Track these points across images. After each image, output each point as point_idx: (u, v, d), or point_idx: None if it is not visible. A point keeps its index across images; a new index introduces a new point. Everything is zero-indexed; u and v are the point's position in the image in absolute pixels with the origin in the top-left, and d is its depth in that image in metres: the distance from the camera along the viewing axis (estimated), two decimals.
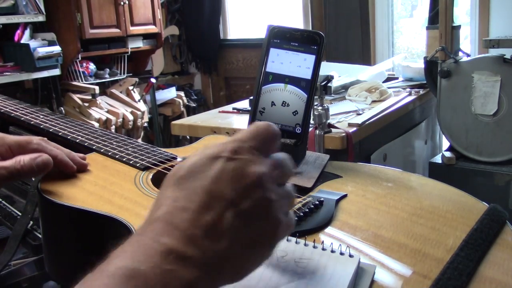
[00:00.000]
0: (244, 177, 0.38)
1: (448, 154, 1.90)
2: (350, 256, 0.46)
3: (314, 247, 0.48)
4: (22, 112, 0.87)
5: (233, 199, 0.37)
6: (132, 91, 3.59)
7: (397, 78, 2.34)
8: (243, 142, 0.40)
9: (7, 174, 0.58)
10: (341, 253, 0.46)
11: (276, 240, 0.39)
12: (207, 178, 0.38)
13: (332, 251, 0.47)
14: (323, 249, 0.47)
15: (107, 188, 0.63)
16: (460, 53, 1.96)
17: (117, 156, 0.72)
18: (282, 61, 0.68)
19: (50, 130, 0.81)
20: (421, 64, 2.08)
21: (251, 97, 0.81)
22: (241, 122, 1.73)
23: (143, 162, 0.70)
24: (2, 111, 0.88)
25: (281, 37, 0.69)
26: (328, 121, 1.39)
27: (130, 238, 0.37)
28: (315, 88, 0.68)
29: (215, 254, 0.36)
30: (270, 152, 0.42)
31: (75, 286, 0.33)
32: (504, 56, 1.78)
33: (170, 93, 3.85)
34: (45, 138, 0.67)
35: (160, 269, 0.34)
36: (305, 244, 0.48)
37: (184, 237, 0.35)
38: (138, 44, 3.67)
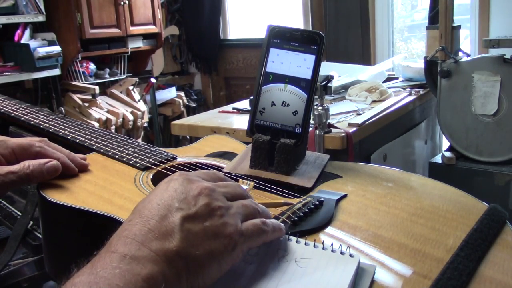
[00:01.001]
0: (190, 190, 0.45)
1: (448, 154, 1.90)
2: (351, 256, 0.46)
3: (315, 246, 0.48)
4: (22, 112, 0.87)
5: (181, 207, 0.43)
6: (132, 91, 3.59)
7: (397, 78, 2.34)
8: (192, 172, 0.49)
9: (16, 179, 0.60)
10: (342, 253, 0.46)
11: (228, 241, 0.43)
12: (159, 196, 0.45)
13: (333, 251, 0.47)
14: (324, 249, 0.47)
15: (107, 188, 0.63)
16: (460, 53, 1.96)
17: (117, 156, 0.72)
18: (282, 61, 0.68)
19: (50, 130, 0.81)
20: (421, 64, 2.08)
21: (251, 97, 0.81)
22: (241, 122, 1.73)
23: (143, 162, 0.70)
24: (2, 111, 0.88)
25: (281, 37, 0.69)
26: (328, 121, 1.39)
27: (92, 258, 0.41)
28: (315, 88, 0.68)
29: (168, 252, 0.41)
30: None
31: None
32: (504, 56, 1.78)
33: (170, 93, 3.85)
34: (46, 139, 0.67)
35: (120, 269, 0.38)
36: (305, 244, 0.48)
37: (135, 243, 0.41)
38: (138, 44, 3.67)
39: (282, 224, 0.50)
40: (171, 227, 0.42)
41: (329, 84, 1.28)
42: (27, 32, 3.03)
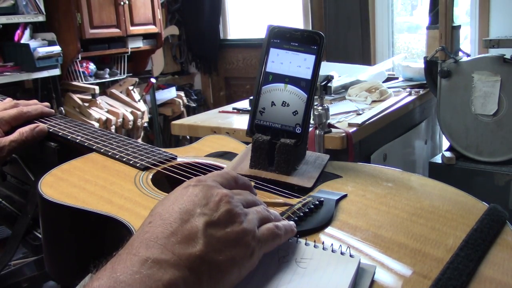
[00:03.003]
0: (211, 196, 0.45)
1: (448, 154, 1.90)
2: (351, 256, 0.46)
3: (315, 247, 0.48)
4: None
5: (204, 212, 0.44)
6: (132, 91, 3.59)
7: (397, 78, 2.34)
8: (207, 176, 0.49)
9: (16, 145, 0.76)
10: (342, 253, 0.46)
11: (247, 247, 0.44)
12: (179, 200, 0.45)
13: (333, 251, 0.47)
14: (324, 249, 0.47)
15: (107, 188, 0.63)
16: (460, 53, 1.96)
17: (117, 156, 0.72)
18: (282, 61, 0.68)
19: (50, 130, 0.81)
20: (421, 64, 2.08)
21: (251, 97, 0.81)
22: (241, 122, 1.73)
23: (143, 162, 0.70)
24: None
25: (281, 37, 0.69)
26: (328, 121, 1.39)
27: (111, 259, 0.41)
28: (315, 88, 0.68)
29: (191, 257, 0.40)
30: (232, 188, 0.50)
31: None
32: (504, 56, 1.78)
33: (170, 93, 3.85)
34: (17, 102, 0.84)
35: (140, 274, 0.38)
36: (306, 244, 0.48)
37: (158, 246, 0.40)
38: (138, 44, 3.67)
39: (293, 224, 0.50)
40: (194, 231, 0.42)
41: (329, 84, 1.28)
42: (27, 32, 3.03)
